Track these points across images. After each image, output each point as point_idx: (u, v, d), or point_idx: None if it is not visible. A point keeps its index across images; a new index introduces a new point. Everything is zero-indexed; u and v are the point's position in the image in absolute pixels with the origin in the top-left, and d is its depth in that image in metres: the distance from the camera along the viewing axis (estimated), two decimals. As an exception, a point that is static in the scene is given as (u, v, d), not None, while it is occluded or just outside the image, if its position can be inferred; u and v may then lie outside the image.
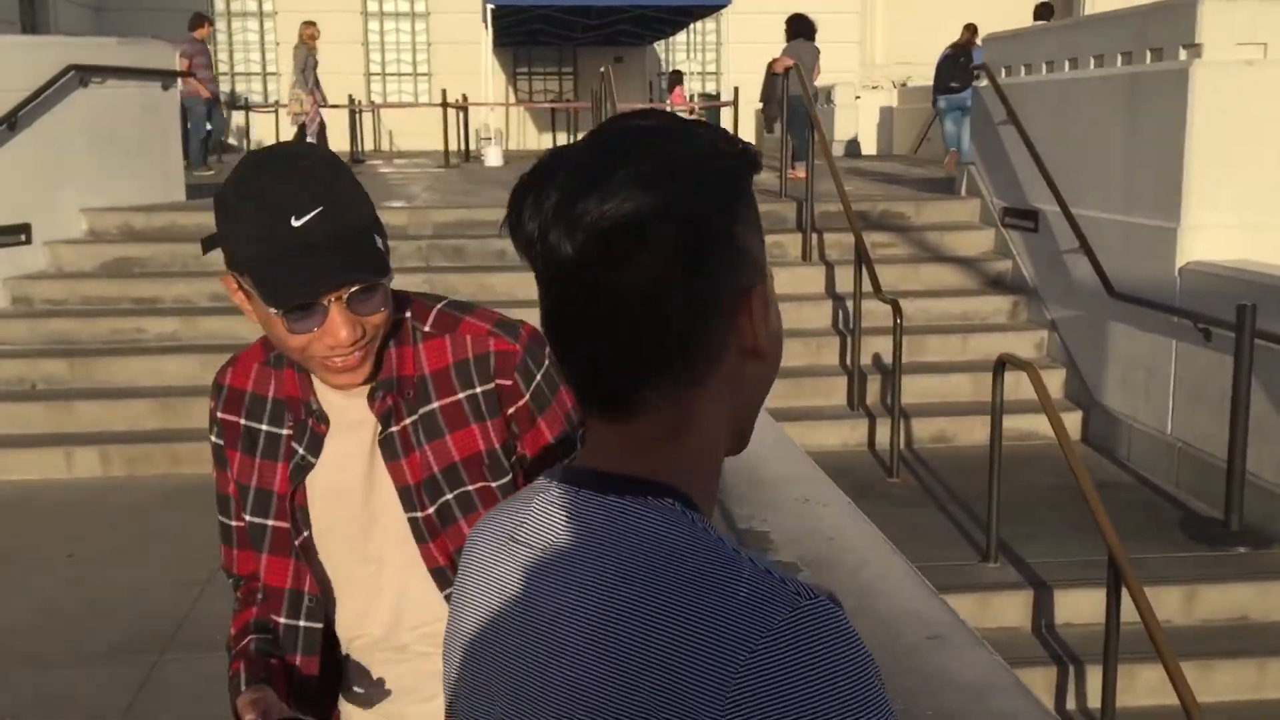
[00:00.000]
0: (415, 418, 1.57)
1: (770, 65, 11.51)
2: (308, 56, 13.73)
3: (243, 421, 1.64)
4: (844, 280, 8.00)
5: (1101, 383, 7.19)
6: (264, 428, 1.63)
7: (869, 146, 19.15)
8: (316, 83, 13.93)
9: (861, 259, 7.28)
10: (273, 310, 1.39)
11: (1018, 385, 5.92)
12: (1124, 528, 4.67)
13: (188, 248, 7.89)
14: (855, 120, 18.48)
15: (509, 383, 1.58)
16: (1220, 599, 5.24)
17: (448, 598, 1.55)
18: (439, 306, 1.61)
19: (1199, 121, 6.22)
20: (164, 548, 5.33)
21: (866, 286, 7.24)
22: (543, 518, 0.88)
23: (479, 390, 1.58)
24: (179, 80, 9.98)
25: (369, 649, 1.66)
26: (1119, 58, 6.98)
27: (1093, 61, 7.30)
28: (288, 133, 15.05)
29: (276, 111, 17.61)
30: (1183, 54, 6.35)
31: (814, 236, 8.36)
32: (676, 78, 17.05)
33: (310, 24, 13.98)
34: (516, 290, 7.98)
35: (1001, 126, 8.15)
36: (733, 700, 0.73)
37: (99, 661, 4.28)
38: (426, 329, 1.58)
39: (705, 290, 0.83)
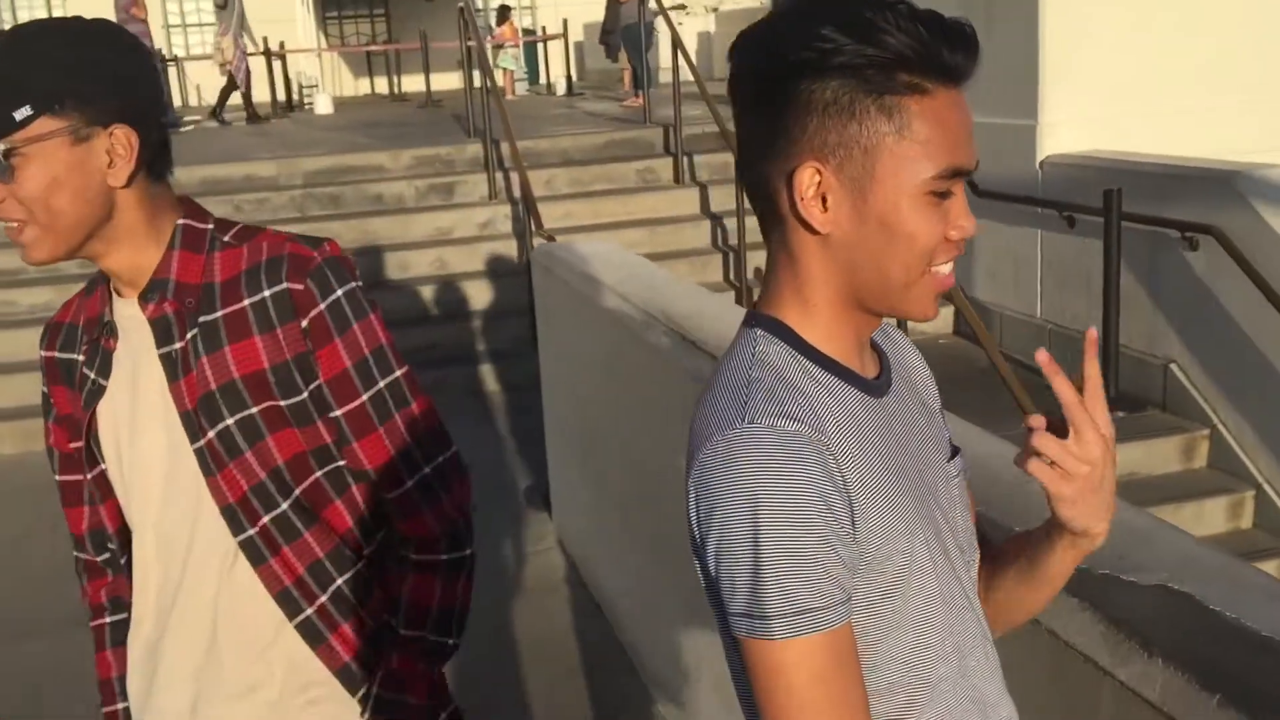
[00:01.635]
0: (195, 330, 1.44)
1: (613, -6, 11.57)
2: (218, 2, 13.09)
3: (56, 354, 1.56)
4: (718, 199, 8.24)
5: (971, 277, 7.67)
6: (70, 355, 1.54)
7: (689, 71, 19.38)
8: (239, 29, 13.26)
9: (742, 176, 7.50)
10: None
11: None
12: (1011, 407, 5.07)
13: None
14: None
15: (300, 286, 1.45)
16: (1109, 460, 5.75)
17: (245, 545, 1.47)
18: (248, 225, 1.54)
19: (1050, 22, 6.65)
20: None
21: (746, 202, 7.47)
22: None
23: (267, 293, 1.45)
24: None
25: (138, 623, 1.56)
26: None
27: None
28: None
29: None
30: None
31: (684, 159, 8.54)
32: (504, 12, 16.86)
33: None
34: (398, 234, 7.93)
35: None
36: (689, 476, 1.08)
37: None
38: (226, 239, 1.49)
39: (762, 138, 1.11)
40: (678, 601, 3.21)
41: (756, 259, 7.77)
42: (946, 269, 1.12)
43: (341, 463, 1.54)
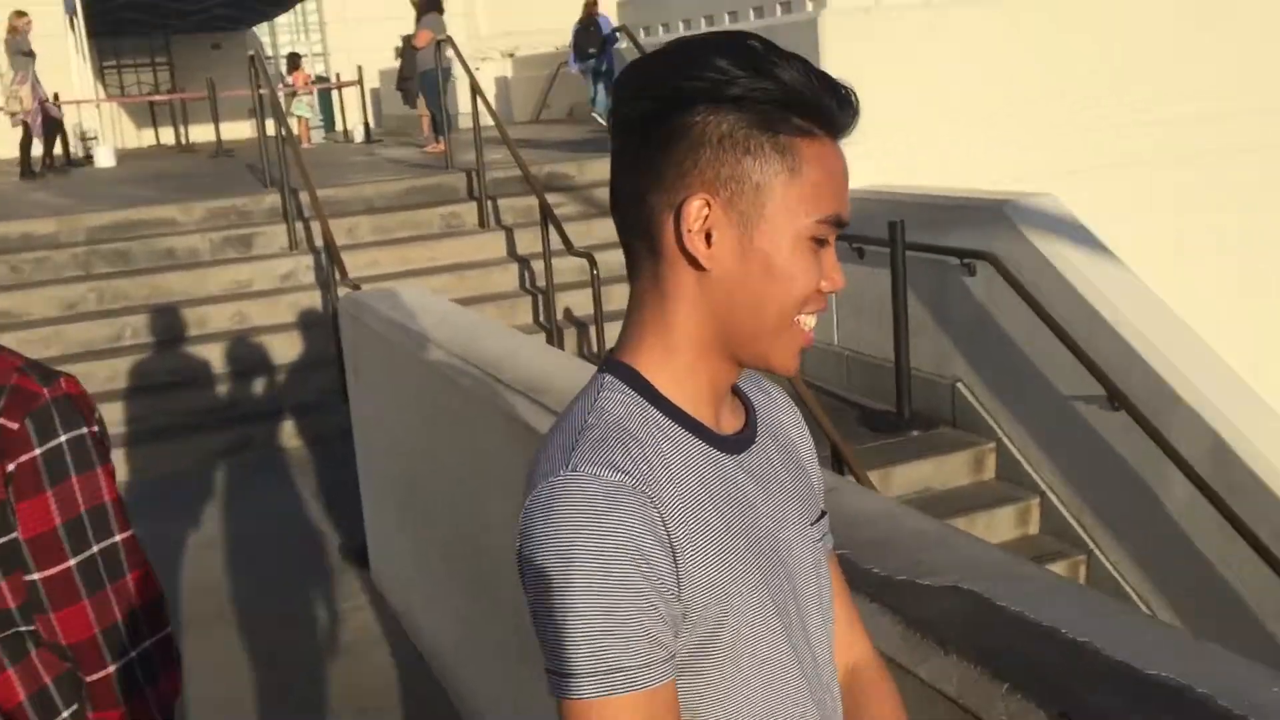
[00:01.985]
0: None
1: (410, 40, 11.54)
2: (19, 48, 12.24)
3: None
4: (524, 242, 8.30)
5: (771, 308, 7.94)
6: None
7: (489, 116, 19.44)
8: (36, 78, 12.42)
9: (547, 219, 7.59)
10: None
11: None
12: (816, 434, 5.28)
13: None
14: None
15: (15, 425, 1.30)
16: (907, 476, 6.04)
17: None
18: None
19: (831, 65, 6.97)
20: None
21: (553, 245, 7.56)
22: None
23: None
24: None
25: None
26: (751, 12, 7.68)
27: (728, 18, 7.98)
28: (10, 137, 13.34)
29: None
30: (809, 5, 7.11)
31: (489, 203, 8.57)
32: (295, 60, 16.57)
33: (21, 13, 12.43)
34: (194, 289, 7.66)
35: (648, 84, 8.69)
36: (519, 521, 1.05)
37: None
38: None
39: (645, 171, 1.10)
40: (503, 644, 3.21)
41: (565, 300, 7.85)
42: (811, 322, 1.12)
43: (24, 628, 1.35)
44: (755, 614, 1.08)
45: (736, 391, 1.21)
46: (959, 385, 6.42)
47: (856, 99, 1.11)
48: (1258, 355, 7.20)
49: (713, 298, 1.09)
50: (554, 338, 7.65)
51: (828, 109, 1.08)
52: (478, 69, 18.96)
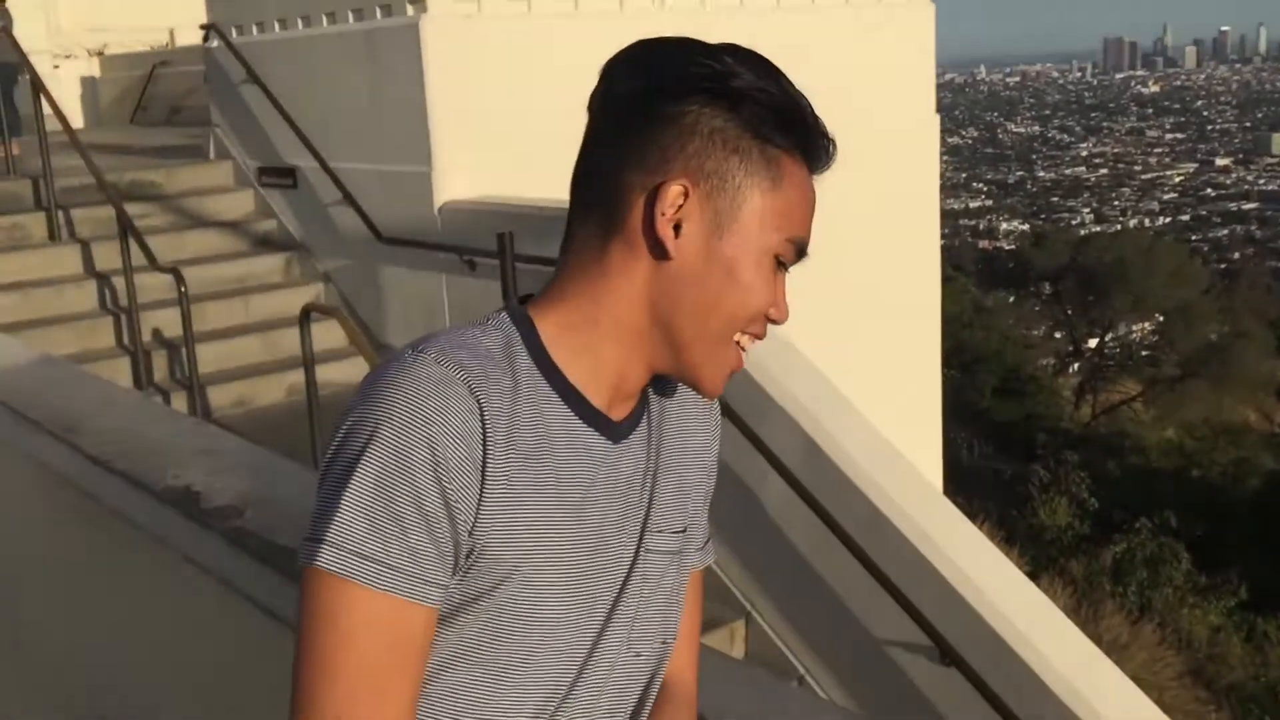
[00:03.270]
0: None
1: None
2: None
3: None
4: (104, 258, 7.48)
5: (384, 324, 7.63)
6: None
7: (76, 118, 17.73)
8: None
9: (127, 231, 6.87)
10: None
11: (293, 339, 6.11)
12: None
13: None
14: (56, 92, 16.99)
15: None
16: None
17: None
18: None
19: (434, 71, 6.81)
20: None
21: (138, 260, 6.87)
22: None
23: None
24: None
25: None
26: (350, 14, 7.34)
27: (325, 19, 7.58)
28: None
29: None
30: (410, 10, 6.87)
31: (59, 214, 7.67)
32: None
33: None
34: None
35: (244, 86, 8.13)
36: None
37: None
38: None
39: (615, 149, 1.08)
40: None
41: (153, 320, 7.15)
42: (749, 345, 1.11)
43: None
44: (552, 595, 1.02)
45: (644, 397, 1.16)
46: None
47: (835, 150, 1.11)
48: (846, 359, 7.74)
49: (661, 289, 1.06)
50: (139, 361, 6.94)
51: (817, 141, 1.08)
52: (57, 67, 17.35)
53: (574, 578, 1.05)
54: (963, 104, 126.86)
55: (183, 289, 6.47)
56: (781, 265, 1.10)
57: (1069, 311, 33.33)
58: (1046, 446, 21.97)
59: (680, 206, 1.05)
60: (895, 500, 5.03)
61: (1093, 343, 33.61)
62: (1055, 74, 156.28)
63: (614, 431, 1.11)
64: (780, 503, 5.34)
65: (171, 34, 19.00)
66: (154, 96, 16.14)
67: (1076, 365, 34.08)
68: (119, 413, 2.64)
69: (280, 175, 8.20)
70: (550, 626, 1.03)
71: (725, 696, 1.36)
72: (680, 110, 1.05)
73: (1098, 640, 10.93)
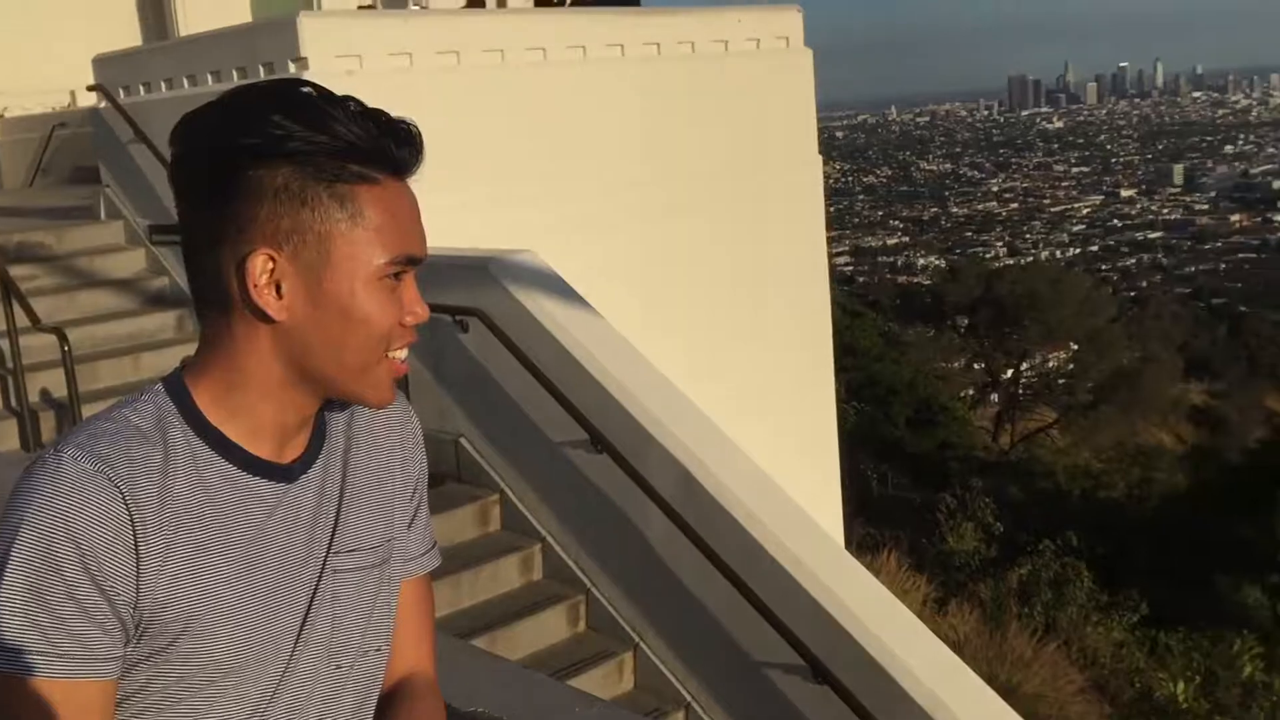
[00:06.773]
0: None
1: None
2: None
3: None
4: (-11, 319, 7.44)
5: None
6: None
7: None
8: None
9: (10, 292, 6.86)
10: None
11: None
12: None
13: None
14: (-49, 155, 16.76)
15: None
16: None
17: None
18: None
19: (318, 128, 6.91)
20: None
21: (20, 322, 6.85)
22: None
23: None
24: None
25: None
26: (235, 73, 7.44)
27: (210, 78, 7.67)
28: None
29: None
30: (292, 67, 6.99)
31: (-57, 277, 7.61)
32: None
33: None
34: None
35: (132, 145, 8.17)
36: None
37: None
38: None
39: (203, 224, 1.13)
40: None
41: (40, 380, 7.11)
42: (403, 354, 1.17)
43: None
44: (224, 642, 1.07)
45: (319, 420, 1.21)
46: (462, 440, 6.51)
47: (419, 135, 1.15)
48: (737, 395, 7.94)
49: (288, 346, 1.10)
50: (26, 423, 6.90)
51: (385, 152, 1.11)
52: (-49, 129, 17.09)
53: (246, 625, 1.10)
54: (876, 144, 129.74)
55: (65, 348, 6.47)
56: (400, 275, 1.14)
57: (985, 343, 34.16)
58: (958, 475, 22.44)
59: (271, 271, 1.08)
60: (769, 528, 5.20)
61: (1009, 373, 34.42)
62: (964, 112, 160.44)
63: (285, 474, 1.15)
64: (662, 536, 5.48)
65: (73, 95, 18.84)
66: (53, 158, 15.99)
67: (995, 395, 34.83)
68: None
69: (171, 232, 8.21)
70: (229, 669, 1.09)
71: (474, 686, 1.49)
72: (243, 179, 1.07)
73: (1002, 660, 11.21)
